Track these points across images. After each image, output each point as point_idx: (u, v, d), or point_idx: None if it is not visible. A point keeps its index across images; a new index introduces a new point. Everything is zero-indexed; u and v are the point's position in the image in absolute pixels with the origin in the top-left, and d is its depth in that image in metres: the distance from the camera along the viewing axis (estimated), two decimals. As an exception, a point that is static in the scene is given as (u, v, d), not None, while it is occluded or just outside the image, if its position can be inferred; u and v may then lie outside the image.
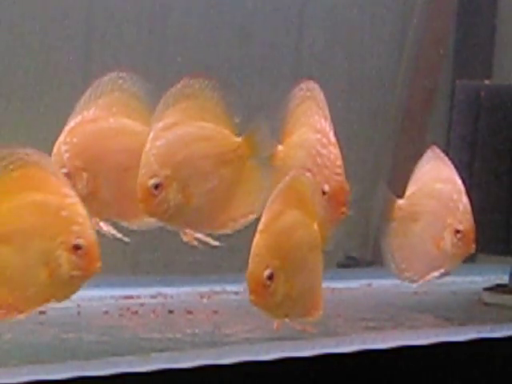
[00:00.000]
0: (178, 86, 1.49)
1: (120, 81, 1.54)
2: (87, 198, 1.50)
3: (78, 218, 1.37)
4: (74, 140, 1.52)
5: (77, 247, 1.37)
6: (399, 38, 2.37)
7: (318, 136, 1.56)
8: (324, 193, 1.54)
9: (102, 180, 1.53)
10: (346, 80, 1.65)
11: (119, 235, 1.54)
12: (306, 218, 1.50)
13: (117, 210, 1.55)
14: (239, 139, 1.53)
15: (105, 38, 2.01)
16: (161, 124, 1.47)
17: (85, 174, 1.51)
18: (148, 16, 2.11)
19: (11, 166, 1.36)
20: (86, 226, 1.38)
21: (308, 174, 1.50)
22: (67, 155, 1.51)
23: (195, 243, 1.50)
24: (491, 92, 1.94)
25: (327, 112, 1.59)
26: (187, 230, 1.49)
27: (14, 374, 1.29)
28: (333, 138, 1.58)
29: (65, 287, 1.40)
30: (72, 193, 1.40)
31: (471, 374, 1.66)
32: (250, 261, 1.42)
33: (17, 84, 1.91)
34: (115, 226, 1.55)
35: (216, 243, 1.50)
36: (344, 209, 1.55)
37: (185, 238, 1.49)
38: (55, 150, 1.51)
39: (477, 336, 1.68)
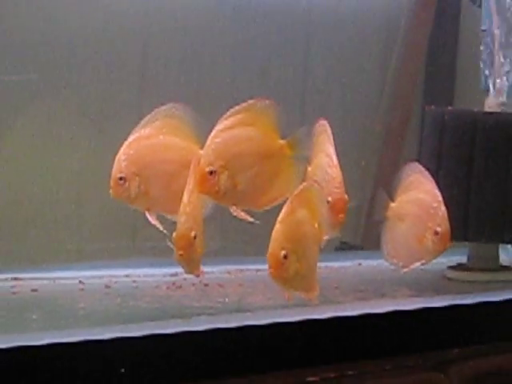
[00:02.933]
0: (243, 104, 1.52)
1: (173, 109, 1.55)
2: (139, 197, 1.52)
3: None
4: (131, 152, 1.52)
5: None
6: (382, 74, 2.36)
7: (327, 159, 1.61)
8: (328, 202, 1.57)
9: (151, 183, 1.53)
10: (341, 107, 1.66)
11: (161, 227, 1.53)
12: (311, 218, 1.51)
13: (162, 206, 1.54)
14: (283, 142, 1.54)
15: (156, 75, 1.98)
16: (220, 126, 1.50)
17: (137, 178, 1.51)
18: (191, 59, 2.08)
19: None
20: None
21: (317, 185, 1.52)
22: (125, 163, 1.51)
23: (242, 215, 1.52)
24: (452, 115, 1.94)
25: (332, 141, 1.64)
26: (234, 208, 1.51)
27: (95, 333, 1.31)
28: (335, 161, 1.62)
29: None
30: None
31: (439, 333, 1.66)
32: (270, 244, 1.44)
33: (94, 113, 1.89)
34: (162, 218, 1.55)
35: (251, 219, 1.52)
36: (343, 215, 1.59)
37: (233, 213, 1.51)
38: (116, 159, 1.52)
39: (442, 304, 1.68)
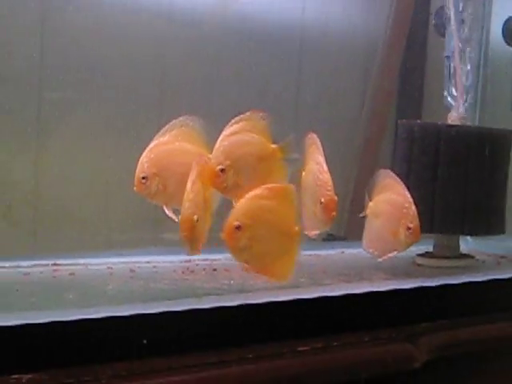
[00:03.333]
0: (244, 114, 1.53)
1: (187, 120, 1.55)
2: (158, 194, 1.52)
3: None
4: (152, 156, 1.52)
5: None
6: (362, 92, 2.35)
7: (318, 167, 1.60)
8: (321, 203, 1.57)
9: (168, 182, 1.52)
10: (327, 120, 1.65)
11: (176, 219, 1.51)
12: (281, 210, 1.47)
13: (177, 201, 1.51)
14: (275, 146, 1.55)
15: (173, 94, 1.98)
16: (226, 132, 1.51)
17: (157, 178, 1.51)
18: (202, 80, 2.08)
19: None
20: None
21: (293, 187, 1.52)
22: (146, 165, 1.51)
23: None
24: (420, 128, 1.92)
25: (322, 151, 1.63)
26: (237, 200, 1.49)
27: (121, 310, 1.31)
28: (326, 168, 1.61)
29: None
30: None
31: (409, 310, 1.66)
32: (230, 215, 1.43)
33: (123, 124, 1.89)
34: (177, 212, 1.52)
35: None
36: (334, 213, 1.57)
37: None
38: (140, 161, 1.52)
39: (413, 285, 1.68)
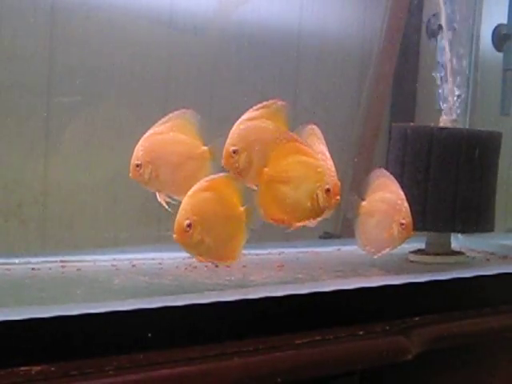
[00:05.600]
0: (261, 104, 1.53)
1: (182, 113, 1.56)
2: (151, 180, 1.53)
3: (327, 173, 1.48)
4: (146, 144, 1.53)
5: (327, 190, 1.46)
6: (358, 96, 2.35)
7: (320, 155, 1.56)
8: (327, 189, 1.50)
9: (161, 169, 1.53)
10: (324, 123, 1.64)
11: (167, 206, 1.54)
12: (226, 200, 1.47)
13: (169, 188, 1.54)
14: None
15: (176, 94, 1.98)
16: (245, 117, 1.51)
17: (150, 166, 1.52)
18: (205, 83, 2.08)
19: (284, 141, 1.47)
20: (331, 178, 1.49)
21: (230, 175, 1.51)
22: (141, 153, 1.52)
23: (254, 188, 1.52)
24: (414, 130, 1.92)
25: (323, 140, 1.60)
26: (250, 183, 1.51)
27: (127, 304, 1.31)
28: (328, 155, 1.58)
29: (319, 213, 1.48)
30: (322, 158, 1.51)
31: (402, 304, 1.66)
32: (178, 214, 1.41)
33: (127, 126, 1.89)
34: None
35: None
36: (338, 197, 1.52)
37: (249, 186, 1.52)
38: (135, 149, 1.53)
39: (405, 281, 1.68)
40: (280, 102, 1.53)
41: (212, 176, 1.47)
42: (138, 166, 1.52)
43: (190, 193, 1.42)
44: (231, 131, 1.50)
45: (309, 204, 1.47)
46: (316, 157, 1.51)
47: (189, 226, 1.39)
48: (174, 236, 1.40)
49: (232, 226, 1.48)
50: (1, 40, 1.78)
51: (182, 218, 1.39)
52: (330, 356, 1.45)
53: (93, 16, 1.90)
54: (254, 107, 1.52)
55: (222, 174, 1.48)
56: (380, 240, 1.71)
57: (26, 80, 1.84)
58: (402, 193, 1.70)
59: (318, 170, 1.49)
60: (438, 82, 2.06)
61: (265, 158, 1.49)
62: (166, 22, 2.04)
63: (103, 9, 1.91)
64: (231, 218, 1.47)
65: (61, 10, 1.86)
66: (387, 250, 1.72)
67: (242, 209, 1.48)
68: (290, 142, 1.49)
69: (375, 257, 1.74)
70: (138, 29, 1.98)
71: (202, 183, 1.44)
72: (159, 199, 1.54)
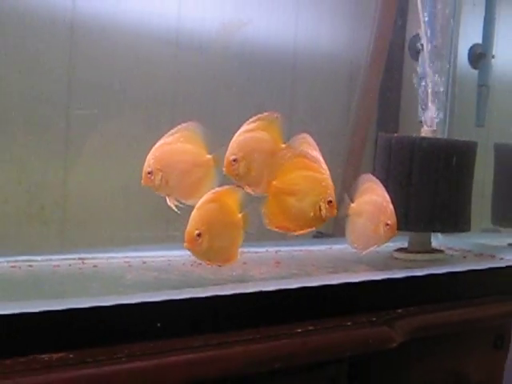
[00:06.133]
0: (257, 116, 1.52)
1: (189, 125, 1.56)
2: (161, 186, 1.53)
3: (329, 187, 1.47)
4: (157, 153, 1.53)
5: (329, 201, 1.47)
6: (346, 109, 2.35)
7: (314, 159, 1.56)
8: (329, 201, 1.53)
9: (170, 176, 1.53)
10: (317, 133, 1.65)
11: (176, 209, 1.54)
12: (229, 209, 1.48)
13: (178, 193, 1.54)
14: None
15: (183, 107, 1.98)
16: (244, 129, 1.51)
17: (161, 173, 1.52)
18: (209, 98, 2.07)
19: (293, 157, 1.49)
20: (332, 191, 1.48)
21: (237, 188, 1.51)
22: (152, 161, 1.52)
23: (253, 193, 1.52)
24: (397, 140, 1.91)
25: (316, 147, 1.58)
26: (249, 188, 1.51)
27: (138, 297, 1.32)
28: (322, 159, 1.57)
29: (320, 222, 1.50)
30: (325, 172, 1.50)
31: (387, 297, 1.66)
32: (188, 224, 1.43)
33: (139, 134, 1.89)
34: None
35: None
36: (335, 211, 1.55)
37: (248, 191, 1.51)
38: (147, 158, 1.53)
39: (390, 276, 1.68)
40: (274, 115, 1.53)
41: (216, 189, 1.48)
42: (149, 173, 1.52)
43: (198, 205, 1.44)
44: (231, 142, 1.50)
45: (312, 214, 1.50)
46: (321, 171, 1.52)
47: (198, 235, 1.41)
48: (185, 244, 1.41)
49: (233, 231, 1.50)
50: (25, 57, 1.79)
51: (192, 228, 1.41)
52: (322, 344, 1.46)
53: (108, 36, 1.90)
54: (251, 119, 1.52)
55: (224, 187, 1.49)
56: (367, 238, 1.71)
57: (48, 94, 1.84)
58: (387, 196, 1.71)
59: (323, 183, 1.51)
60: (420, 96, 2.06)
61: (262, 165, 1.50)
62: (174, 41, 2.04)
63: (117, 30, 1.92)
64: (232, 224, 1.49)
65: (79, 31, 1.87)
66: (374, 247, 1.72)
67: (240, 215, 1.50)
68: (298, 158, 1.51)
69: (363, 253, 1.74)
70: (148, 48, 1.99)
71: (208, 195, 1.45)
72: (169, 203, 1.55)
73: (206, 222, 1.42)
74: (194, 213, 1.43)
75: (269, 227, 1.53)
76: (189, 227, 1.41)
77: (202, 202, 1.44)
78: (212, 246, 1.44)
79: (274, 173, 1.52)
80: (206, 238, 1.42)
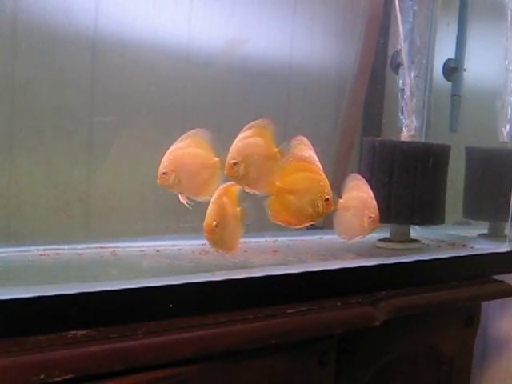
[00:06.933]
0: (254, 122, 1.51)
1: (198, 131, 1.55)
2: (174, 185, 1.52)
3: (326, 186, 1.47)
4: (171, 157, 1.52)
5: (326, 199, 1.47)
6: (335, 116, 2.35)
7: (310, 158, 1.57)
8: (326, 199, 1.53)
9: (182, 176, 1.52)
10: (309, 138, 1.64)
11: (187, 205, 1.53)
12: (232, 203, 1.49)
13: (190, 191, 1.53)
14: (277, 149, 1.53)
15: (191, 117, 1.97)
16: (241, 135, 1.49)
17: (174, 173, 1.51)
18: (213, 108, 2.07)
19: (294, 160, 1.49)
20: (329, 189, 1.48)
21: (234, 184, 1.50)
22: (166, 163, 1.51)
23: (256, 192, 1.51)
24: (381, 143, 1.91)
25: (312, 148, 1.59)
26: (248, 188, 1.49)
27: (153, 281, 1.31)
28: (317, 158, 1.58)
29: (318, 217, 1.50)
30: (322, 173, 1.50)
31: (372, 281, 1.66)
32: (206, 217, 1.44)
33: (154, 138, 1.88)
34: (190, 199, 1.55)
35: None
36: (331, 207, 1.55)
37: (247, 190, 1.50)
38: (162, 160, 1.52)
39: (374, 263, 1.68)
40: (265, 121, 1.52)
41: (225, 184, 1.49)
42: (164, 173, 1.51)
43: (212, 199, 1.45)
44: (231, 147, 1.49)
45: (311, 210, 1.51)
46: (318, 172, 1.52)
47: (216, 226, 1.43)
48: (206, 235, 1.42)
49: (236, 222, 1.51)
50: (53, 72, 1.78)
51: (210, 220, 1.43)
52: (315, 322, 1.45)
53: (126, 52, 1.90)
54: (246, 126, 1.51)
55: (227, 183, 1.50)
56: (353, 230, 1.70)
57: (73, 103, 1.84)
58: (371, 192, 1.70)
59: (320, 183, 1.51)
60: (400, 105, 2.05)
61: (258, 167, 1.49)
62: (184, 57, 2.03)
63: (134, 47, 1.91)
64: (235, 216, 1.50)
65: (100, 48, 1.86)
66: (359, 237, 1.71)
67: (238, 209, 1.51)
68: (299, 162, 1.51)
69: (350, 243, 1.73)
70: (161, 63, 1.98)
71: (219, 191, 1.47)
72: (181, 199, 1.54)
73: (220, 214, 1.44)
74: (210, 207, 1.44)
75: (273, 221, 1.53)
76: (207, 219, 1.43)
77: (215, 197, 1.45)
78: (224, 235, 1.46)
79: (269, 173, 1.51)
80: (220, 228, 1.44)
